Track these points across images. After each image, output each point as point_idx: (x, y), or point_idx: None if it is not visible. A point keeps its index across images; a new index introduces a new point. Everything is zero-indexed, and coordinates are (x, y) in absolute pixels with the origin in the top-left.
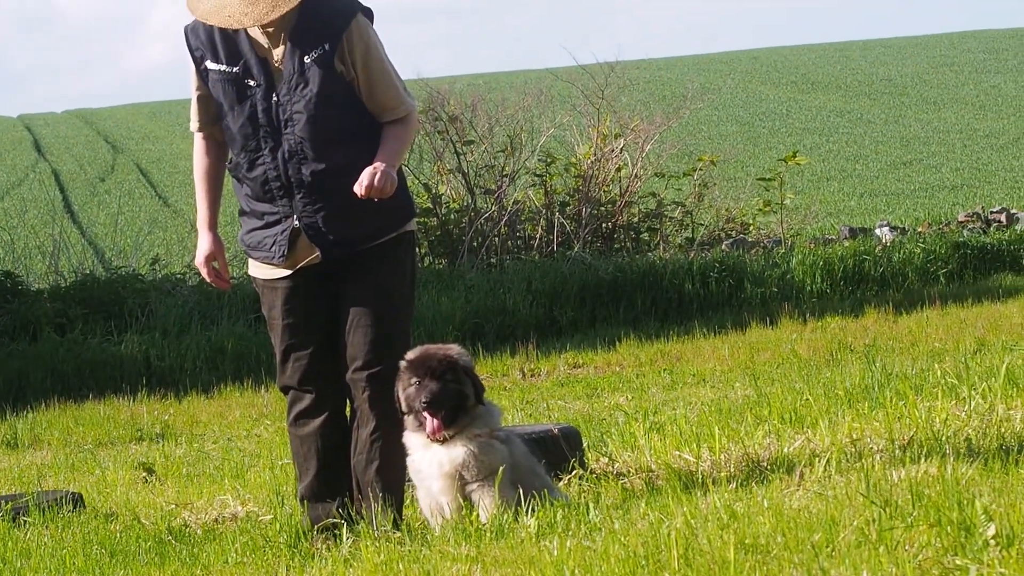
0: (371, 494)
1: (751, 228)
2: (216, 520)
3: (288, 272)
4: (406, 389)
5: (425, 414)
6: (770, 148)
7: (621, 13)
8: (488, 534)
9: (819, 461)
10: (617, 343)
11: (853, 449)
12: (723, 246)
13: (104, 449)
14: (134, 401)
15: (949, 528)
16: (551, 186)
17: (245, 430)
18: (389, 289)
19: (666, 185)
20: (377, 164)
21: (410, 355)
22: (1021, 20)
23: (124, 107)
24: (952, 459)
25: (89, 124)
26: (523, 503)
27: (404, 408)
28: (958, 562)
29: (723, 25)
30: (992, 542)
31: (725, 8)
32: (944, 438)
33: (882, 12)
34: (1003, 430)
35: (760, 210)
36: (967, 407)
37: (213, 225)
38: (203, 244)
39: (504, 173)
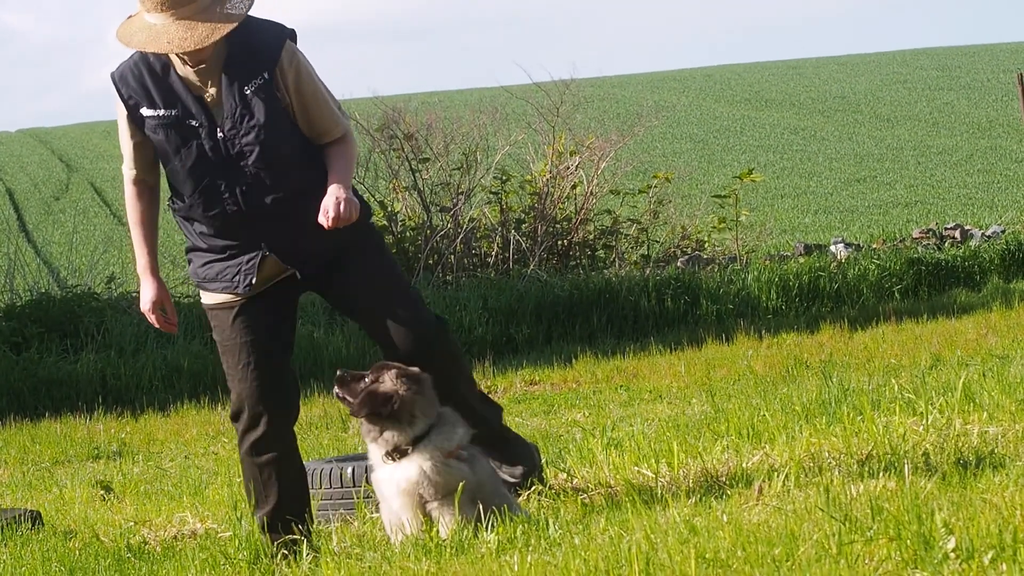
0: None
1: (706, 245)
2: (175, 537)
3: (243, 297)
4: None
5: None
6: (724, 165)
7: (575, 31)
8: (448, 550)
9: (778, 476)
10: (573, 360)
11: (811, 464)
12: (678, 263)
13: (61, 467)
14: (90, 419)
15: (909, 541)
16: (507, 204)
17: (202, 448)
18: (383, 271)
19: (621, 202)
20: (337, 194)
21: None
22: (973, 38)
23: (78, 126)
24: (911, 473)
25: (43, 143)
26: (483, 520)
27: (363, 424)
28: (918, 575)
29: (677, 43)
30: (952, 555)
31: (678, 26)
32: (902, 453)
33: (835, 30)
34: (961, 444)
35: (715, 227)
36: (925, 422)
37: (155, 270)
38: (148, 290)
39: (459, 191)
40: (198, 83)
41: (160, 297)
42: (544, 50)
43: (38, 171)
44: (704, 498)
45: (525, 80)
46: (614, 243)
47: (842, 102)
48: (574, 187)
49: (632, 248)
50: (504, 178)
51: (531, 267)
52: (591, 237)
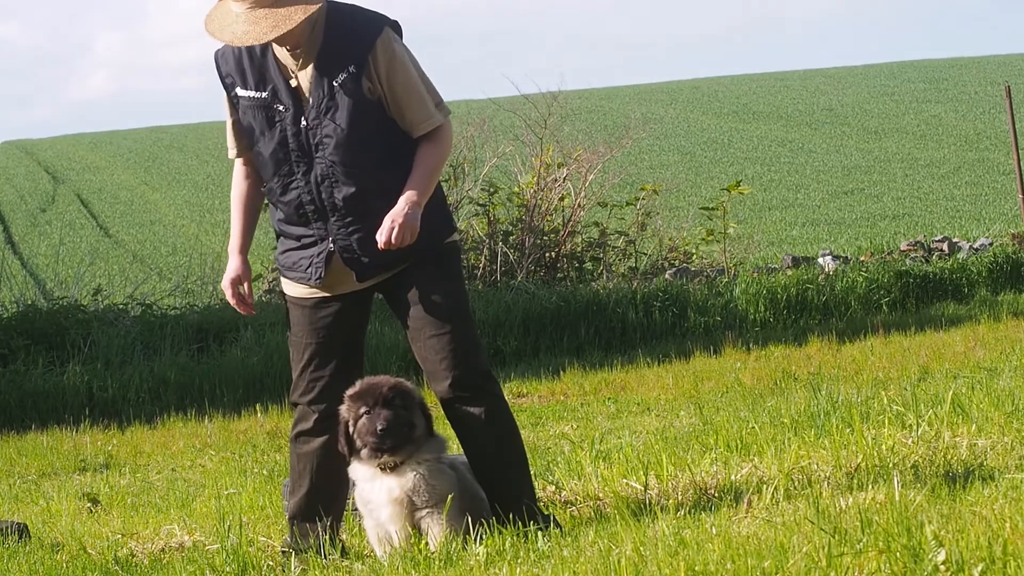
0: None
1: (694, 257)
2: (163, 550)
3: (324, 295)
4: (356, 420)
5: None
6: (712, 178)
7: (563, 43)
8: (437, 562)
9: (767, 488)
10: (561, 372)
11: (800, 476)
12: (666, 275)
13: (48, 480)
14: (77, 432)
15: (898, 554)
16: (494, 216)
17: (189, 460)
18: (439, 300)
19: (609, 214)
20: (394, 215)
21: (355, 387)
22: (961, 50)
23: (65, 137)
24: (900, 485)
25: (29, 155)
26: (471, 530)
27: (353, 441)
28: None
29: (664, 55)
30: (942, 567)
31: (666, 38)
32: (891, 465)
33: (822, 42)
34: (950, 457)
35: (703, 239)
36: (914, 434)
37: (244, 250)
38: (231, 267)
39: (447, 203)
40: (292, 67)
41: (240, 276)
42: (532, 62)
43: (24, 183)
44: (693, 511)
45: (513, 92)
46: (602, 255)
47: (830, 114)
48: (562, 199)
49: (620, 260)
50: (492, 190)
51: (519, 279)
52: (579, 249)
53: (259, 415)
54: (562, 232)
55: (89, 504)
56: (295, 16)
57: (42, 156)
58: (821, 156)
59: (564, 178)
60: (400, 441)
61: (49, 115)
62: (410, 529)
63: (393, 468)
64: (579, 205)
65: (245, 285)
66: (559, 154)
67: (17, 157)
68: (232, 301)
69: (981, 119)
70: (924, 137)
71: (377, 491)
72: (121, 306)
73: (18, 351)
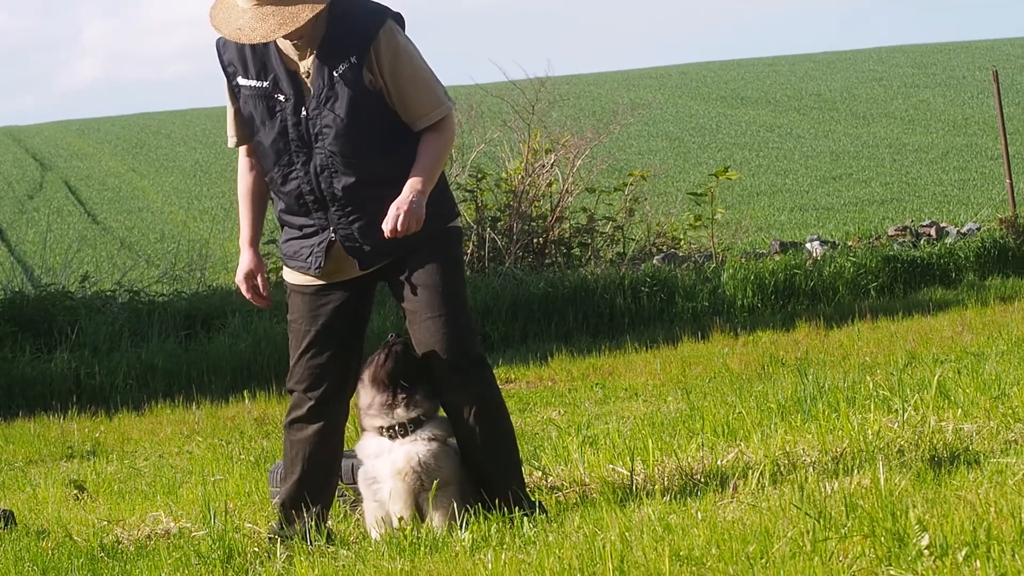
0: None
1: (682, 243)
2: (148, 536)
3: (323, 283)
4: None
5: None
6: (700, 163)
7: (550, 28)
8: (422, 548)
9: (752, 473)
10: (549, 358)
11: (786, 461)
12: (654, 261)
13: (35, 467)
14: (64, 419)
15: (883, 538)
16: (482, 202)
17: (176, 447)
18: (436, 283)
19: (597, 200)
20: (399, 203)
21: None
22: (949, 35)
23: (52, 124)
24: (885, 470)
25: (17, 141)
26: (456, 516)
27: (370, 395)
28: (892, 572)
29: (652, 40)
30: (926, 552)
31: (654, 24)
32: (877, 450)
33: (810, 27)
34: (935, 442)
35: (691, 225)
36: (900, 419)
37: (255, 242)
38: (244, 261)
39: (450, 188)
40: (294, 57)
41: (253, 269)
42: (519, 47)
43: (12, 170)
44: (679, 496)
45: (500, 78)
46: (590, 241)
47: (818, 99)
48: (550, 185)
49: (608, 246)
50: (479, 176)
51: (507, 265)
52: (567, 235)
53: (247, 402)
54: (550, 218)
55: (76, 491)
56: (302, 15)
57: (30, 143)
58: (809, 141)
59: (552, 164)
60: (410, 381)
61: (37, 102)
62: (411, 510)
63: (404, 435)
64: (567, 191)
65: (259, 278)
66: (547, 140)
67: (4, 144)
68: (248, 295)
69: (969, 104)
70: (912, 122)
71: (383, 464)
72: (109, 293)
73: (5, 338)
